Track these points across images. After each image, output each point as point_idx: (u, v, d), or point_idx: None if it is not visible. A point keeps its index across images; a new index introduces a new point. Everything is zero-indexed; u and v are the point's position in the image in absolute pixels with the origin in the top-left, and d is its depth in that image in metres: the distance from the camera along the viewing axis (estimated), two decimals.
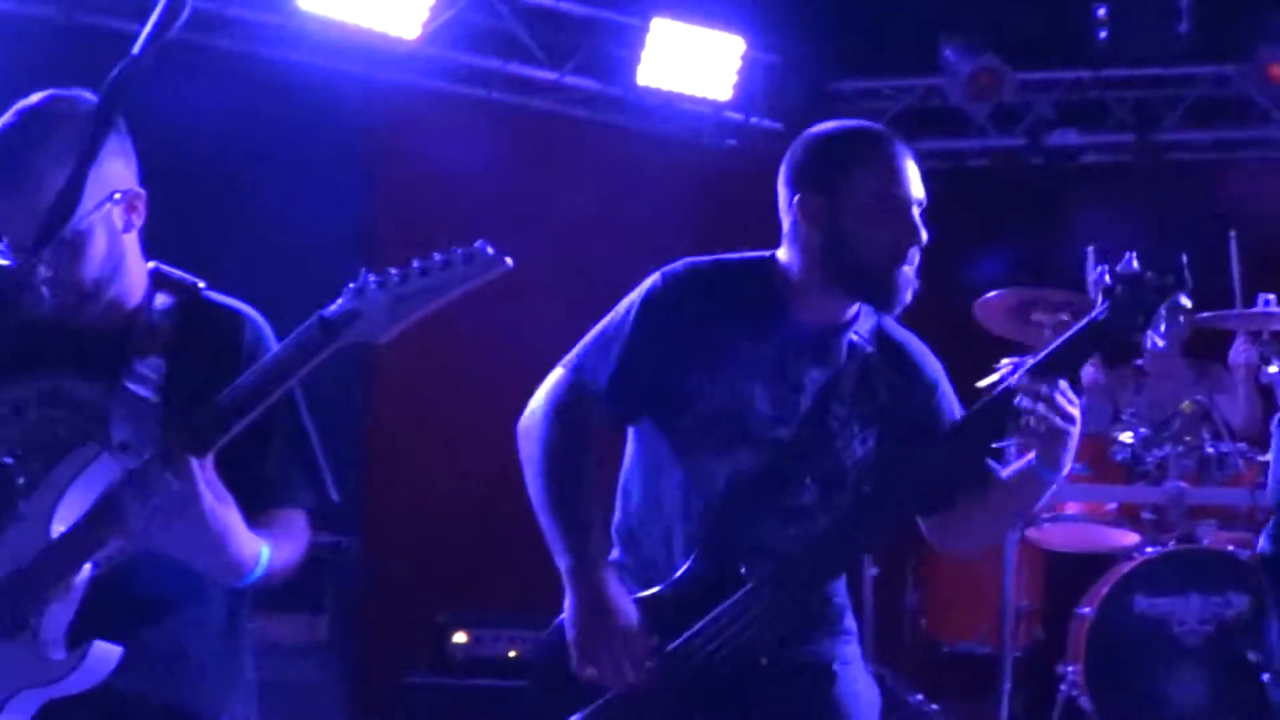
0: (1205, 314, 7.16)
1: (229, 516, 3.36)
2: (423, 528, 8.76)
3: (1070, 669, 7.08)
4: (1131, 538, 7.32)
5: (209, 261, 3.90)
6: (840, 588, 3.99)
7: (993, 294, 7.15)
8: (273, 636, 7.23)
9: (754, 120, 9.83)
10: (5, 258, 3.49)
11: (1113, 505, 7.32)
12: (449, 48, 9.08)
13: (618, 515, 4.09)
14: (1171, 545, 7.08)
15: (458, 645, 7.73)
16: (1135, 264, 3.71)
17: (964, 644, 7.91)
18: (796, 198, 3.86)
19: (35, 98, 3.53)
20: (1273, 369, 6.82)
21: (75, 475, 3.44)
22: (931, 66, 9.84)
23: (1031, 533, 7.27)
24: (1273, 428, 6.85)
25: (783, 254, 3.93)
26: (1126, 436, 7.22)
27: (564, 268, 8.79)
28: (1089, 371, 7.83)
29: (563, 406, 3.96)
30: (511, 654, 7.69)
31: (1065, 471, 3.81)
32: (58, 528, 3.40)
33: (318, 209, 8.35)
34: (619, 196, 9.08)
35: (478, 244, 3.20)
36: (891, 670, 7.88)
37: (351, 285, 3.23)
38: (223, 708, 3.69)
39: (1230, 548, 7.03)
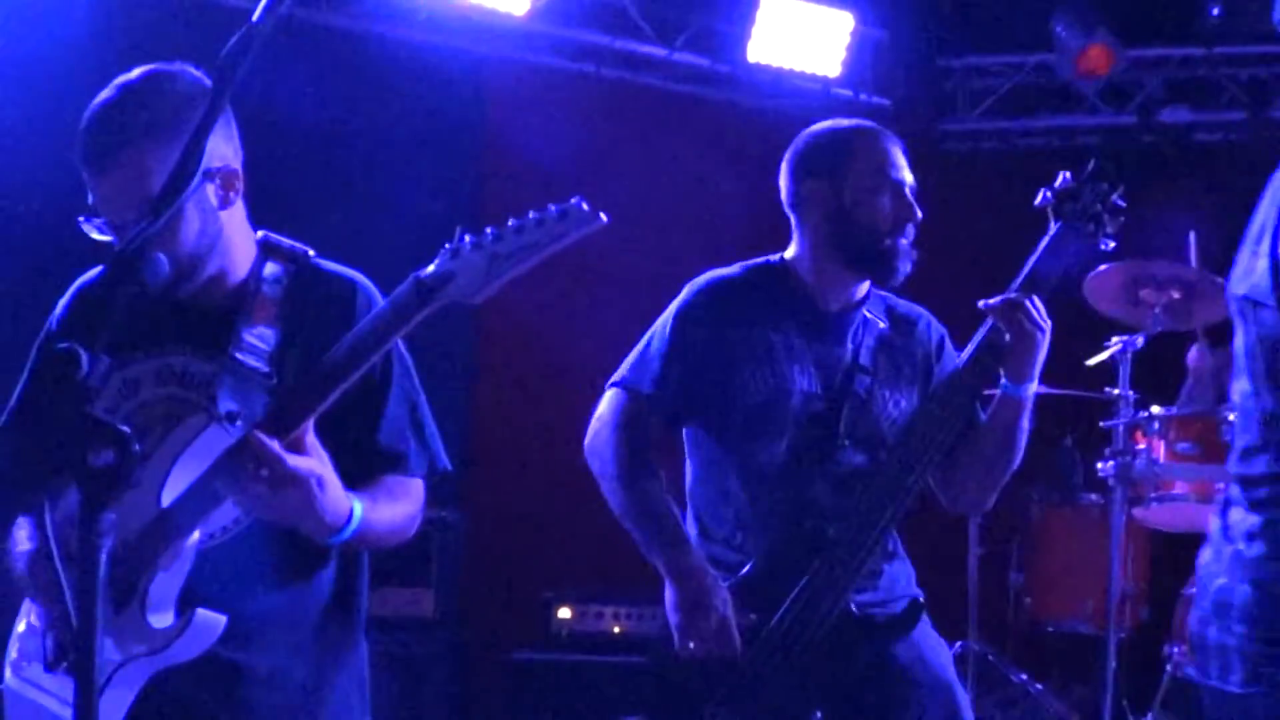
0: None
1: (319, 473, 3.35)
2: (527, 503, 8.80)
3: (1176, 649, 7.03)
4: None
5: (318, 234, 3.94)
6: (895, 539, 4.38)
7: (1101, 268, 7.09)
8: (380, 610, 7.30)
9: (863, 97, 9.81)
10: (103, 232, 3.53)
11: (1220, 485, 7.26)
12: (558, 24, 9.10)
13: (689, 513, 4.43)
14: None
15: (562, 621, 7.77)
16: (1069, 179, 4.23)
17: (1068, 624, 7.87)
18: (803, 185, 4.40)
19: (135, 74, 3.54)
20: None
21: (184, 446, 3.48)
22: (1042, 43, 9.77)
23: (1138, 512, 7.22)
24: None
25: (791, 251, 4.42)
26: (1234, 416, 7.15)
27: (671, 243, 8.81)
28: (1194, 355, 7.76)
29: (623, 423, 4.38)
30: (616, 630, 7.73)
31: (1032, 384, 4.20)
32: (167, 497, 3.45)
33: (426, 183, 8.42)
34: (727, 172, 9.08)
35: (573, 200, 3.20)
36: (995, 649, 7.87)
37: (447, 246, 3.23)
38: (330, 680, 3.73)
39: None
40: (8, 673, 3.75)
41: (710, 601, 4.10)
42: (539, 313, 8.85)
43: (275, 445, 3.26)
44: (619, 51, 9.35)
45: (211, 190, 3.53)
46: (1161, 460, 7.02)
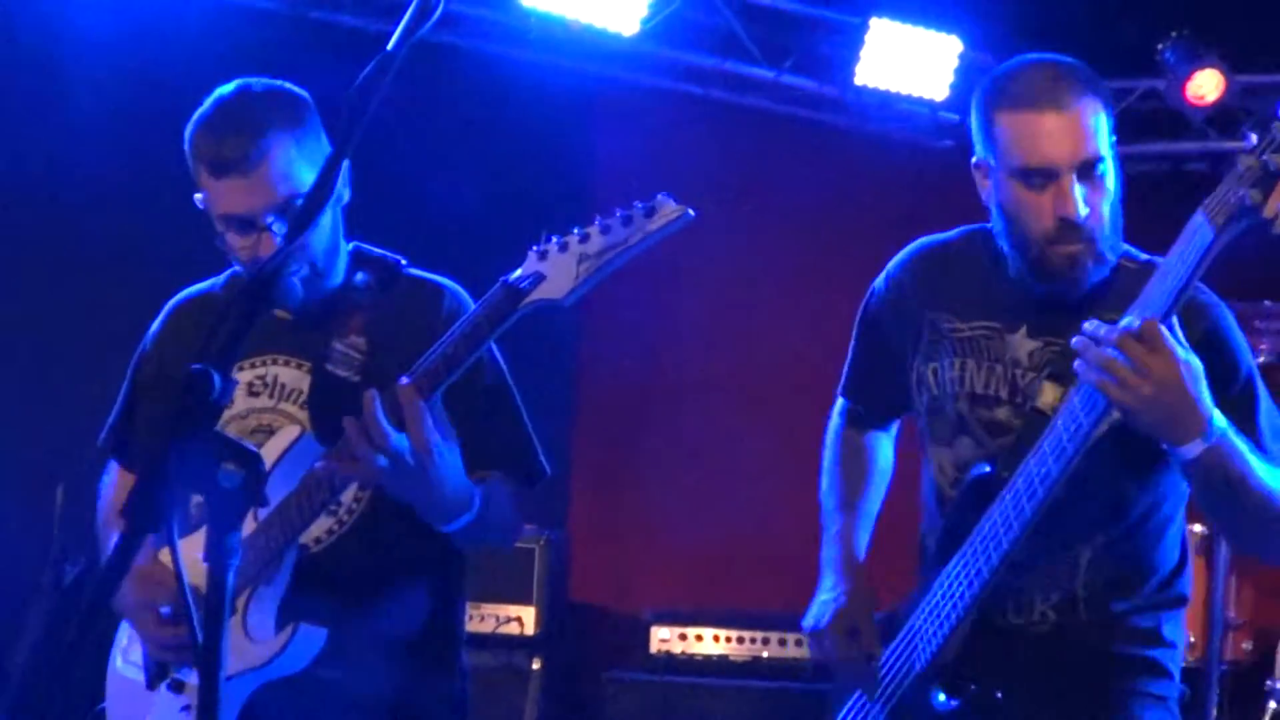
0: None
1: (450, 454, 3.38)
2: (632, 522, 8.83)
3: (1279, 685, 6.98)
4: None
5: (426, 250, 3.98)
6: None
7: None
8: (480, 627, 7.32)
9: (969, 121, 9.78)
10: (225, 248, 3.57)
11: None
12: (667, 44, 9.12)
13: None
14: None
15: (662, 642, 7.78)
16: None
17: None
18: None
19: (228, 87, 3.64)
20: None
21: (279, 457, 3.51)
22: (1151, 68, 9.71)
23: None
24: None
25: None
26: None
27: (780, 268, 8.84)
28: None
29: (836, 425, 4.10)
30: (715, 653, 7.72)
31: (1185, 445, 3.27)
32: (264, 512, 3.47)
33: (533, 202, 8.46)
34: (835, 195, 9.09)
35: (659, 196, 3.20)
36: None
37: (535, 248, 3.25)
38: (422, 703, 3.73)
39: None
40: (118, 660, 3.79)
41: (834, 629, 3.69)
42: (645, 326, 8.90)
43: (421, 404, 3.28)
44: (727, 73, 9.36)
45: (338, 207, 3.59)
46: None
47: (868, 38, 9.21)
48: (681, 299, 8.63)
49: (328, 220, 3.54)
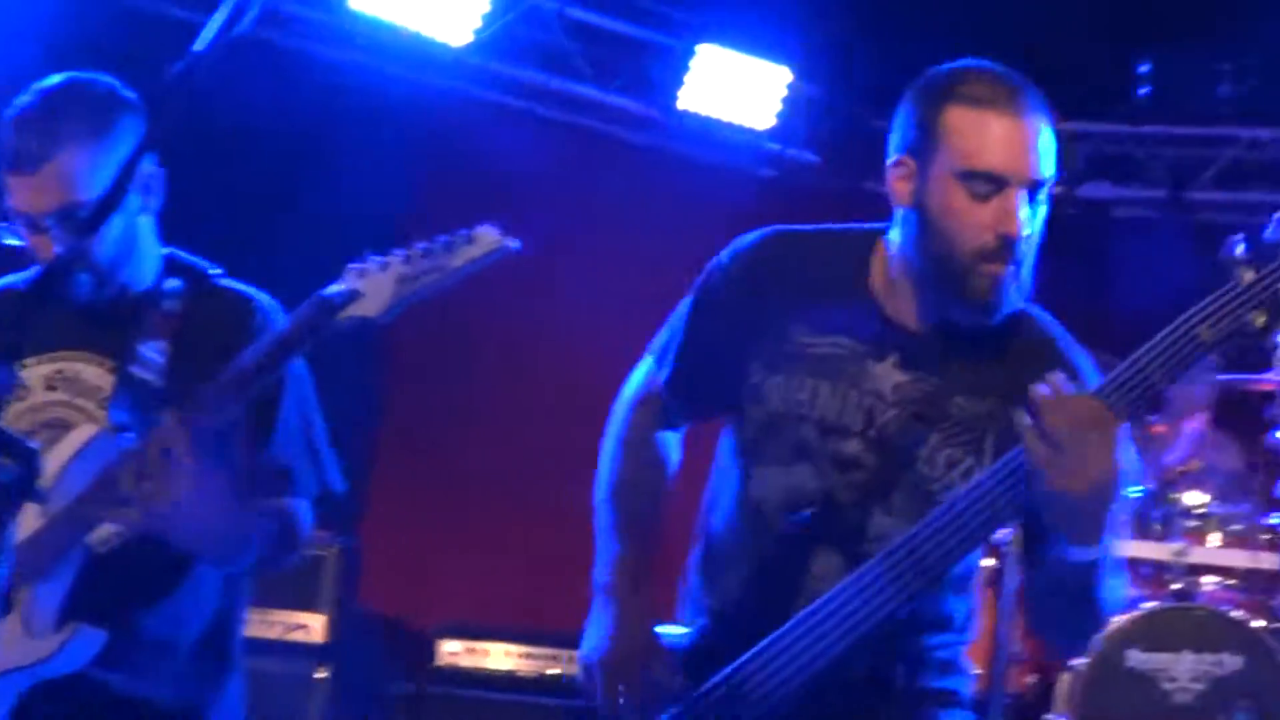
0: (1236, 375, 7.25)
1: (223, 497, 3.33)
2: (425, 536, 8.81)
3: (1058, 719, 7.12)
4: (1130, 591, 7.38)
5: (250, 254, 3.97)
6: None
7: None
8: (267, 633, 7.23)
9: (792, 152, 9.91)
10: (15, 236, 3.55)
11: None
12: (497, 58, 9.15)
13: (700, 522, 3.58)
14: (1169, 602, 7.13)
15: (448, 655, 7.75)
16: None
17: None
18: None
19: (57, 79, 3.56)
20: None
21: (73, 454, 3.46)
22: None
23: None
24: (1276, 493, 6.96)
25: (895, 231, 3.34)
26: (1134, 491, 7.30)
27: (593, 288, 8.86)
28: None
29: (639, 399, 3.58)
30: (502, 668, 7.69)
31: (1082, 547, 2.96)
32: (53, 507, 3.40)
33: (359, 207, 8.42)
34: (655, 216, 9.15)
35: (483, 225, 3.17)
36: None
37: (353, 265, 3.22)
38: (208, 703, 3.67)
39: (1227, 608, 7.08)
40: None
41: (621, 654, 3.35)
42: (455, 341, 8.89)
43: (188, 445, 3.23)
44: (555, 90, 9.40)
45: (134, 197, 3.56)
46: None
47: (694, 63, 9.30)
48: (493, 316, 8.61)
49: (119, 225, 3.52)
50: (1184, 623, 6.86)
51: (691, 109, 9.41)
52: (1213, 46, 9.61)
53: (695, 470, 3.64)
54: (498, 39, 9.01)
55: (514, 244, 3.17)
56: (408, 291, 3.19)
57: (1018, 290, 3.16)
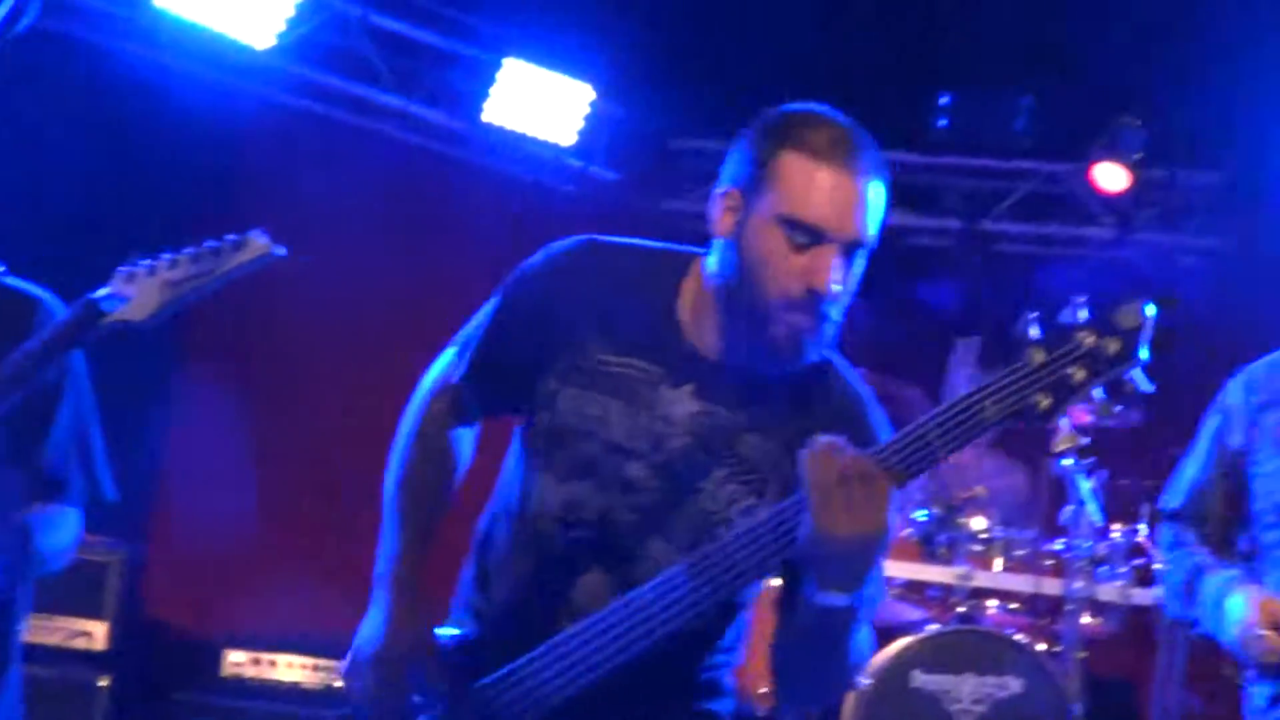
0: None
1: None
2: (212, 544, 8.70)
3: None
4: (915, 613, 7.48)
5: (36, 248, 3.90)
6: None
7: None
8: (48, 639, 7.09)
9: (593, 168, 9.94)
10: None
11: (900, 580, 7.48)
12: (300, 63, 9.06)
13: (480, 522, 3.53)
14: (953, 624, 7.23)
15: (234, 665, 7.66)
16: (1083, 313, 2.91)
17: (742, 706, 7.96)
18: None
19: None
20: (1066, 462, 7.01)
21: None
22: None
23: None
24: (1060, 520, 7.09)
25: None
26: (919, 515, 7.41)
27: (396, 291, 8.82)
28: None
29: (436, 390, 3.51)
30: (290, 680, 7.62)
31: (838, 594, 2.94)
32: None
33: (155, 207, 8.30)
34: (458, 227, 9.13)
35: (251, 232, 3.21)
36: None
37: (121, 269, 3.23)
38: None
39: (1010, 631, 7.20)
40: None
41: (390, 653, 3.28)
42: (250, 347, 8.80)
43: None
44: (358, 98, 9.34)
45: None
46: None
47: (499, 76, 9.30)
48: (290, 324, 8.55)
49: None
50: (968, 645, 6.97)
51: (496, 122, 9.40)
52: (1011, 81, 9.79)
53: (488, 468, 3.57)
54: (302, 44, 8.91)
55: (280, 250, 3.20)
56: (173, 296, 3.22)
57: (818, 344, 3.14)
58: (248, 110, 9.09)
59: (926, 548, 7.39)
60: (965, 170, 10.26)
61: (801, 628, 3.04)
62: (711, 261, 3.24)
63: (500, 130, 9.46)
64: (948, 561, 7.32)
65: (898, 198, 10.34)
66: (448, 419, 3.48)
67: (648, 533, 3.20)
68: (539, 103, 9.47)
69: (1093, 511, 6.94)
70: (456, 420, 3.49)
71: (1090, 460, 7.02)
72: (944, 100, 9.90)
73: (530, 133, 9.53)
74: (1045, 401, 2.83)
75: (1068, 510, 7.03)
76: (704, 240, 3.29)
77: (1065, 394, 2.83)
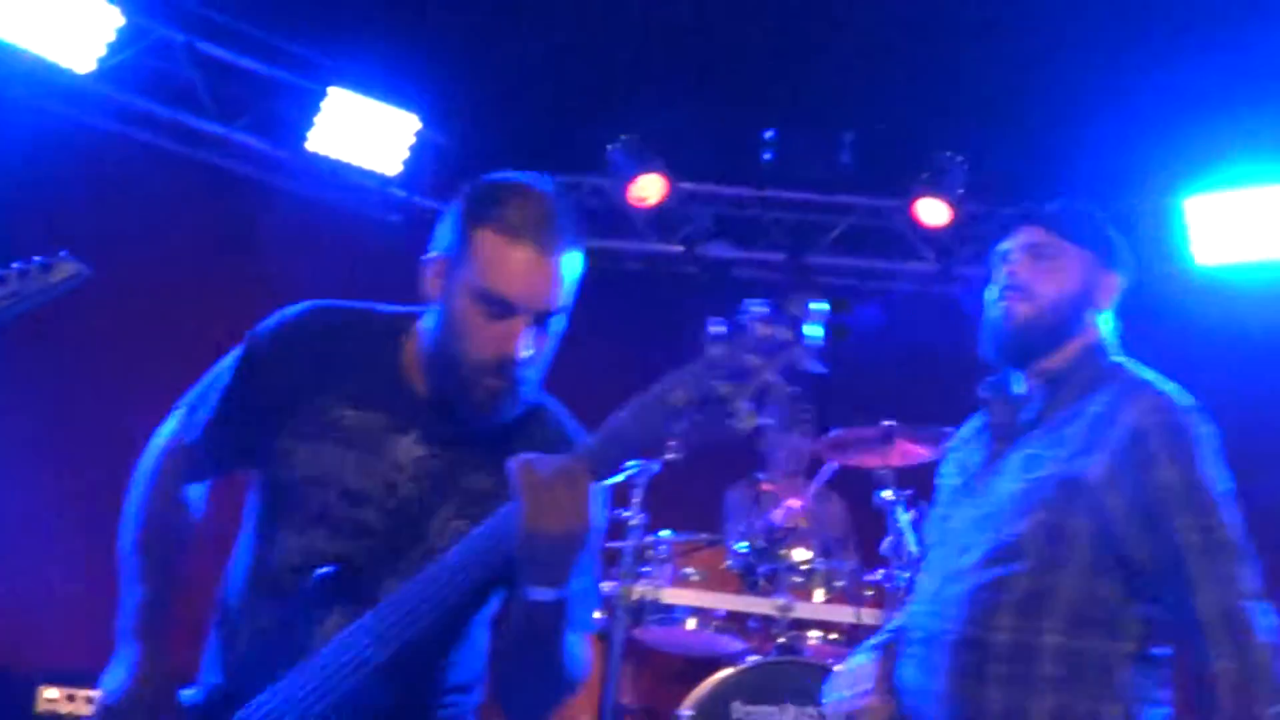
0: (844, 431, 7.44)
1: None
2: (28, 579, 8.56)
3: None
4: (737, 644, 7.50)
5: None
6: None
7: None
8: None
9: (417, 199, 9.91)
10: None
11: (722, 612, 7.50)
12: (121, 88, 8.95)
13: (223, 580, 3.62)
14: (774, 655, 7.26)
15: (49, 702, 7.55)
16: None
17: None
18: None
19: None
20: (886, 494, 7.07)
21: None
22: (599, 167, 10.01)
23: (638, 632, 7.40)
24: (881, 550, 7.15)
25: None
26: (740, 546, 7.43)
27: (212, 320, 8.72)
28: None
29: (169, 449, 3.66)
30: None
31: (546, 588, 3.12)
32: None
33: None
34: (279, 258, 9.05)
35: (61, 253, 3.20)
36: None
37: None
38: None
39: (831, 662, 7.24)
40: None
41: (130, 708, 3.37)
42: (59, 384, 8.67)
43: None
44: (180, 124, 9.25)
45: None
46: (666, 584, 7.27)
47: (324, 105, 9.25)
48: (102, 354, 8.43)
49: None
50: (788, 676, 6.99)
51: (320, 151, 9.35)
52: (836, 117, 9.89)
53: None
54: (124, 69, 8.83)
55: (87, 271, 3.21)
56: None
57: (513, 404, 3.37)
58: (67, 135, 8.97)
59: (747, 579, 7.42)
60: (789, 204, 10.34)
61: (516, 630, 3.20)
62: (428, 319, 3.45)
63: (324, 159, 9.41)
64: (768, 593, 7.34)
65: (724, 230, 10.41)
66: (181, 477, 3.64)
67: (383, 574, 3.36)
68: (363, 132, 9.44)
69: (911, 542, 6.99)
70: (190, 478, 3.66)
71: (909, 492, 7.09)
72: (769, 135, 9.98)
73: (354, 162, 9.50)
74: (727, 389, 2.96)
75: (887, 541, 7.08)
76: None
77: (745, 378, 2.95)
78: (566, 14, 9.20)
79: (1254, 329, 9.20)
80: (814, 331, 2.99)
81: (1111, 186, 9.79)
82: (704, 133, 9.89)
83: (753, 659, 7.24)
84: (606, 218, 10.22)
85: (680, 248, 10.28)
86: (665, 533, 7.39)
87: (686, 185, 10.07)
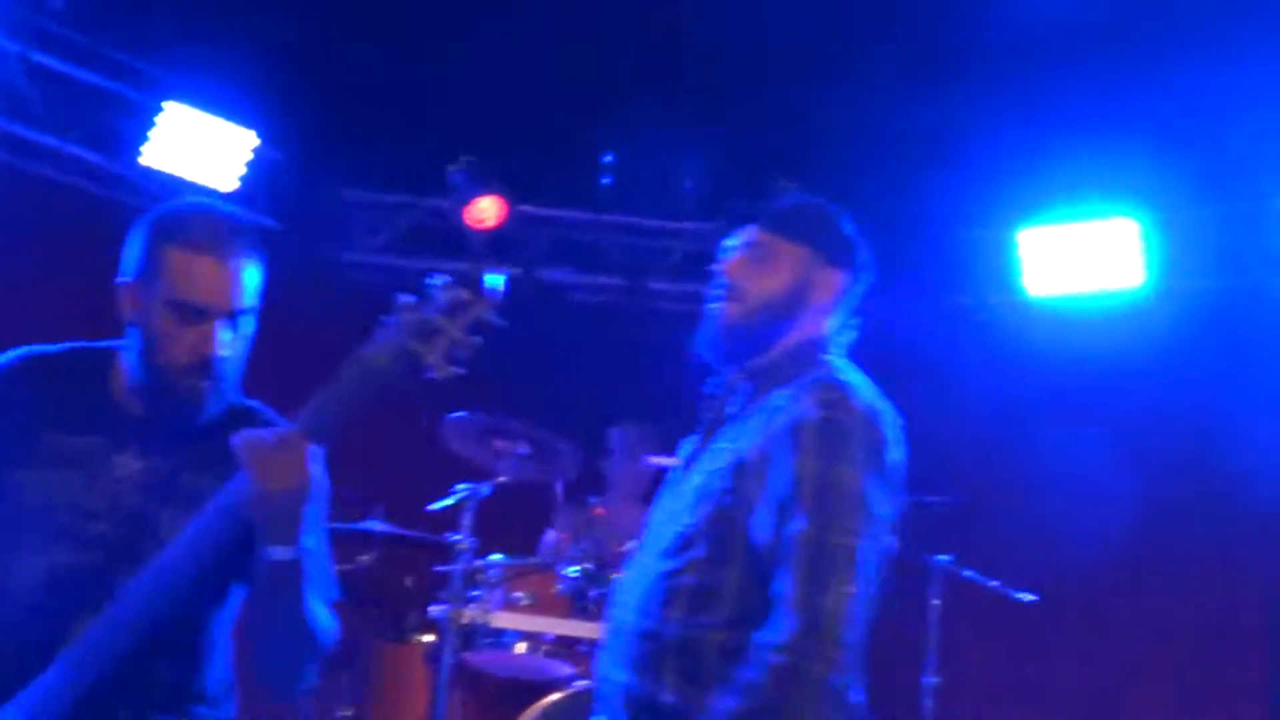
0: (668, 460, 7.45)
1: None
2: None
3: None
4: (566, 669, 7.49)
5: None
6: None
7: (458, 416, 7.31)
8: None
9: (254, 216, 9.82)
10: None
11: (551, 636, 7.49)
12: None
13: None
14: None
15: None
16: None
17: None
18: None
19: None
20: None
21: None
22: (439, 188, 9.99)
23: (469, 656, 7.37)
24: None
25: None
26: (571, 571, 7.42)
27: (43, 338, 8.60)
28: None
29: None
30: None
31: (279, 546, 3.51)
32: None
33: None
34: (110, 272, 8.92)
35: None
36: None
37: None
38: None
39: None
40: None
41: None
42: None
43: None
44: (12, 135, 9.11)
45: None
46: (495, 608, 7.26)
47: (160, 119, 9.17)
48: None
49: None
50: None
51: (154, 165, 9.25)
52: (677, 142, 9.94)
53: None
54: None
55: None
56: None
57: (219, 397, 3.75)
58: None
59: (577, 603, 7.40)
60: (628, 228, 10.38)
61: (260, 592, 3.62)
62: (128, 344, 3.79)
63: (160, 174, 9.32)
64: (598, 617, 7.34)
65: (562, 254, 10.45)
66: None
67: (117, 580, 3.61)
68: (200, 147, 9.36)
69: None
70: None
71: None
72: (607, 158, 10.01)
73: (189, 177, 9.40)
74: (420, 346, 3.38)
75: None
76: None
77: (433, 335, 3.38)
78: (409, 35, 9.18)
79: (1081, 355, 9.38)
80: (491, 291, 3.43)
81: (955, 219, 9.95)
82: (542, 156, 9.91)
83: (581, 684, 7.24)
84: (445, 239, 10.20)
85: (517, 271, 10.28)
86: (495, 556, 7.37)
87: (525, 208, 10.07)
